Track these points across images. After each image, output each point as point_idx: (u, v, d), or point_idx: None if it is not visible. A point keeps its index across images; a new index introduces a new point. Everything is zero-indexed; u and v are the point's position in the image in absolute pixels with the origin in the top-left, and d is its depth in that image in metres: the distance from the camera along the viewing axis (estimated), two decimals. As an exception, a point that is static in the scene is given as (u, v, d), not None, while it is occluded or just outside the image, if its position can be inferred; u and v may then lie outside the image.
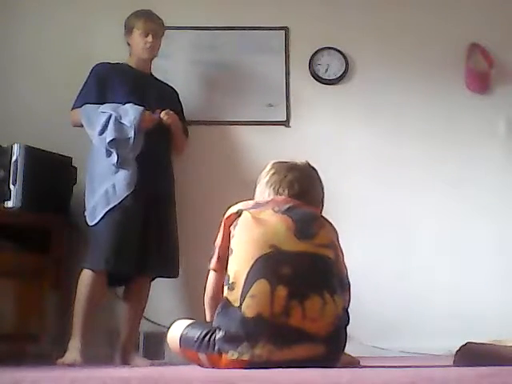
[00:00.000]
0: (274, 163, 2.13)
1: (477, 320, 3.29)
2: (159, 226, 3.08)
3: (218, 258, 1.97)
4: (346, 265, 2.03)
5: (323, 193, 2.16)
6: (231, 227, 1.97)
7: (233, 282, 1.87)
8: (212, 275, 2.04)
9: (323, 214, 2.12)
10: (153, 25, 3.24)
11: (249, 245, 1.89)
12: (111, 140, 2.97)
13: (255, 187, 2.15)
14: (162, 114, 3.14)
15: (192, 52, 3.73)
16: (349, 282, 2.01)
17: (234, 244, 1.93)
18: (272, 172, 2.09)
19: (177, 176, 3.30)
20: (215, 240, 2.00)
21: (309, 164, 2.15)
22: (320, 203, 2.14)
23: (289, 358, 1.77)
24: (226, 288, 1.89)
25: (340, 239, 2.03)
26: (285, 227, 1.90)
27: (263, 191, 2.09)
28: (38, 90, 3.63)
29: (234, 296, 1.85)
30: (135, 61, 3.28)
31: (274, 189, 2.05)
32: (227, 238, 1.97)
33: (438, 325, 3.40)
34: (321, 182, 2.16)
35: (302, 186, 2.05)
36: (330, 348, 1.81)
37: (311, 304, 1.80)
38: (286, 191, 2.03)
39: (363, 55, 3.77)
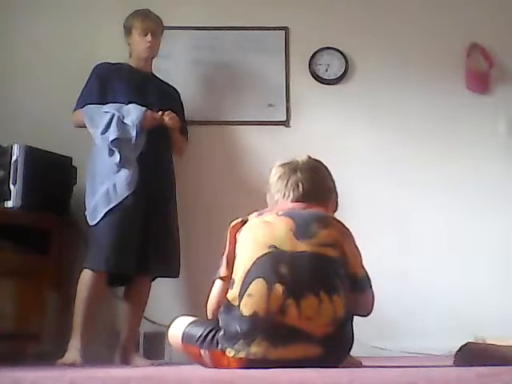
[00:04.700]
0: (277, 167, 2.13)
1: (477, 320, 3.28)
2: (160, 226, 3.08)
3: (227, 265, 1.96)
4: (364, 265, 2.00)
5: (332, 180, 2.15)
6: (236, 234, 1.99)
7: (233, 282, 1.89)
8: (218, 285, 2.01)
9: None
10: (151, 24, 3.24)
11: (250, 246, 1.91)
12: (114, 139, 2.98)
13: (264, 191, 2.16)
14: (165, 116, 3.14)
15: (192, 52, 3.73)
16: (369, 284, 1.98)
17: (238, 248, 1.96)
18: (277, 177, 2.10)
19: (177, 176, 3.30)
20: (223, 251, 2.00)
21: (310, 158, 2.14)
22: (331, 193, 2.14)
23: (285, 356, 1.77)
24: (229, 290, 1.90)
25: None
26: (286, 228, 1.90)
27: (272, 197, 2.10)
28: (38, 90, 3.63)
29: (233, 295, 1.87)
30: (136, 61, 3.28)
31: (281, 194, 2.07)
32: (233, 245, 1.98)
33: (438, 325, 3.40)
34: (326, 170, 2.15)
35: (307, 185, 2.05)
36: (328, 349, 1.80)
37: (307, 303, 1.80)
38: (292, 194, 2.04)
39: (363, 55, 3.77)
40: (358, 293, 1.95)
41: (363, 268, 1.99)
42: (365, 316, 2.00)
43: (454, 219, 3.60)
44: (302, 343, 1.79)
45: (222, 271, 1.97)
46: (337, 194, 2.17)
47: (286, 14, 3.78)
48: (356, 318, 1.98)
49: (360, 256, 1.99)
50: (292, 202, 2.04)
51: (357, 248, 1.99)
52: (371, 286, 2.00)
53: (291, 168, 2.09)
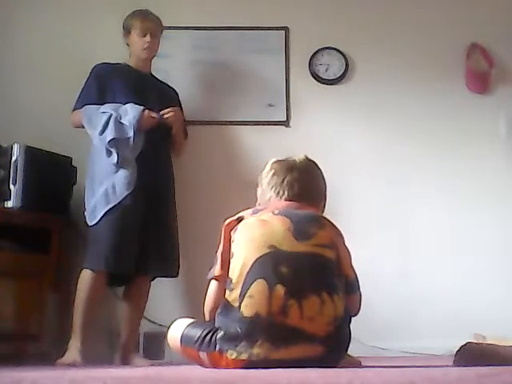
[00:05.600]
0: (272, 163, 2.12)
1: (477, 320, 3.28)
2: (159, 226, 3.08)
3: (222, 264, 1.94)
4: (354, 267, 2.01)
5: (325, 184, 2.15)
6: (231, 232, 1.97)
7: (233, 283, 1.87)
8: (213, 285, 1.99)
9: (328, 204, 2.13)
10: (150, 24, 3.24)
11: (248, 246, 1.90)
12: (111, 140, 2.98)
13: (256, 187, 2.15)
14: (165, 111, 3.14)
15: (192, 52, 3.73)
16: (358, 286, 1.99)
17: (234, 247, 1.94)
18: (272, 173, 2.09)
19: (177, 176, 3.30)
20: (217, 249, 1.99)
21: (307, 159, 2.14)
22: (323, 197, 2.14)
23: (287, 357, 1.77)
24: (227, 290, 1.89)
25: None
26: (284, 228, 1.90)
27: (265, 193, 2.09)
28: (38, 90, 3.63)
29: (233, 296, 1.86)
30: (135, 61, 3.28)
31: (274, 191, 2.06)
32: (228, 243, 1.96)
33: (438, 325, 3.39)
34: (321, 174, 2.15)
35: (302, 186, 2.05)
36: (329, 349, 1.80)
37: (309, 303, 1.80)
38: (287, 193, 2.04)
39: (363, 55, 3.77)
40: (348, 294, 1.95)
41: (353, 269, 2.00)
42: (352, 316, 2.00)
43: (454, 219, 3.60)
44: (303, 343, 1.79)
45: (217, 270, 1.95)
46: (326, 197, 2.17)
47: (286, 14, 3.78)
48: (356, 319, 1.98)
49: (350, 257, 1.99)
50: (286, 200, 2.03)
51: (347, 249, 2.00)
52: (359, 288, 2.00)
53: (287, 166, 2.08)
